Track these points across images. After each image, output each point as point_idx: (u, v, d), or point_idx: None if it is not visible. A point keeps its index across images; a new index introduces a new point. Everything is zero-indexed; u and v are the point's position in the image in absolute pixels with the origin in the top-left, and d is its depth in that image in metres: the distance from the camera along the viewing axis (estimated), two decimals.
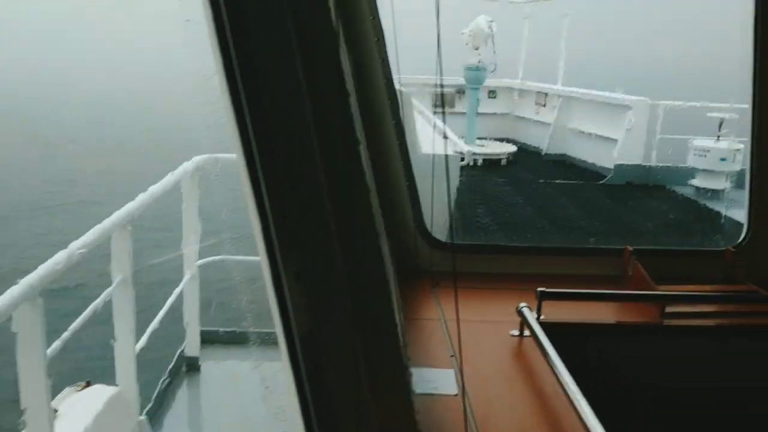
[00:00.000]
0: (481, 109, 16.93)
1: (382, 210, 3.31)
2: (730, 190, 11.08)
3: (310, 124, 1.20)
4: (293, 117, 1.20)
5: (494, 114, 17.55)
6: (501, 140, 16.15)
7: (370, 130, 3.24)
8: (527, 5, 17.08)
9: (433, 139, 5.59)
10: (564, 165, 14.43)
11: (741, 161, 11.09)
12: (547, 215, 9.97)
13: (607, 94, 13.49)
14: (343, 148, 1.30)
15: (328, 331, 1.25)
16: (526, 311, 2.77)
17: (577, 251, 3.63)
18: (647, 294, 3.10)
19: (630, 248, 3.34)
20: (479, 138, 15.49)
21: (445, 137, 6.27)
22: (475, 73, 14.59)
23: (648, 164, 12.23)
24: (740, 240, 3.55)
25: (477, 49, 15.93)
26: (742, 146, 11.08)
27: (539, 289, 2.90)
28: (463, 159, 5.93)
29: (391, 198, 3.37)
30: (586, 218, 9.94)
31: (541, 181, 12.76)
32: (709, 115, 11.62)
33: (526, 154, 15.65)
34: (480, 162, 14.11)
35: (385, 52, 3.33)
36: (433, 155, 4.09)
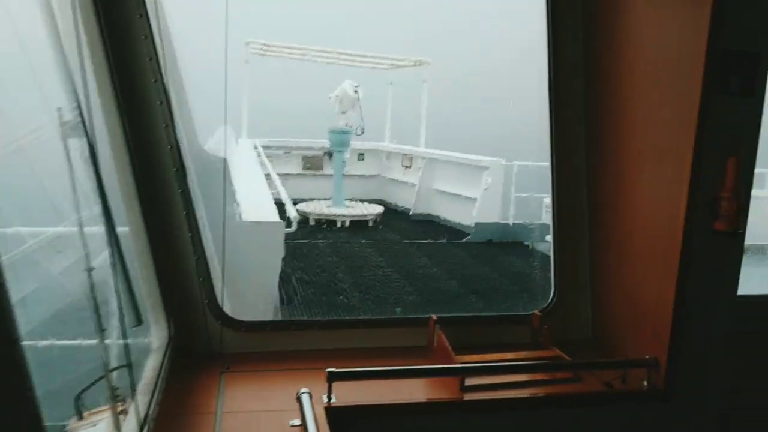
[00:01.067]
0: (352, 171, 17.05)
1: (161, 288, 2.97)
2: None
3: None
4: None
5: (364, 176, 17.74)
6: (372, 201, 16.26)
7: (148, 202, 2.94)
8: (390, 71, 17.58)
9: (254, 203, 5.34)
10: (430, 224, 14.64)
11: None
12: (409, 276, 9.91)
13: (465, 155, 13.93)
14: None
15: None
16: (304, 398, 2.51)
17: (386, 322, 3.44)
18: (444, 368, 2.94)
19: (434, 317, 3.19)
20: (348, 200, 15.50)
21: (281, 206, 6.04)
22: (339, 136, 14.67)
23: (506, 222, 12.59)
24: (547, 303, 3.51)
25: (344, 112, 16.15)
26: None
27: (328, 369, 2.66)
28: (289, 225, 5.67)
29: (175, 274, 3.05)
30: (444, 278, 9.96)
31: (405, 241, 12.80)
32: None
33: (394, 215, 15.80)
34: (347, 224, 14.04)
35: (171, 117, 3.06)
36: (217, 221, 3.83)
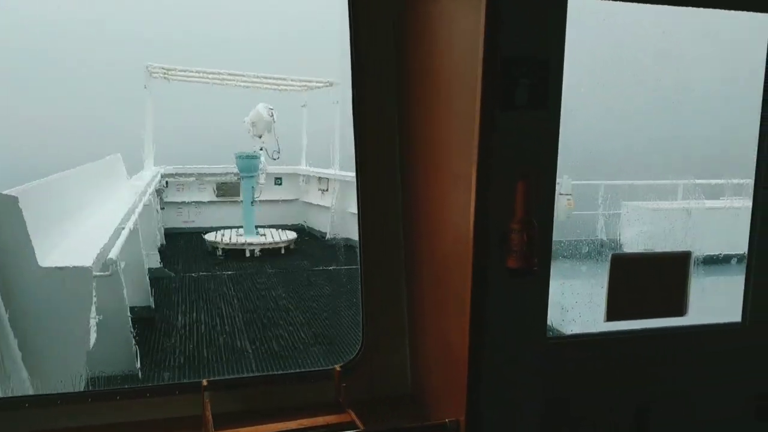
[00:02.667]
0: (269, 197, 16.50)
1: None
2: None
3: None
4: None
5: (283, 201, 17.17)
6: (291, 226, 15.73)
7: None
8: (304, 93, 17.15)
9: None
10: (345, 249, 14.15)
11: None
12: (308, 310, 9.35)
13: None
14: None
15: None
16: None
17: (154, 390, 2.89)
18: None
19: (205, 382, 2.65)
20: (263, 227, 14.90)
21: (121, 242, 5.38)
22: (247, 161, 14.08)
23: None
24: (354, 356, 3.01)
25: (260, 136, 15.62)
26: None
27: None
28: (108, 271, 4.92)
29: None
30: (345, 306, 9.46)
31: (315, 268, 12.28)
32: None
33: (312, 240, 15.29)
34: (257, 252, 13.41)
35: None
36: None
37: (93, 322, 4.73)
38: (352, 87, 3.04)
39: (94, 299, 4.79)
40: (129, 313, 5.89)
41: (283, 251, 13.71)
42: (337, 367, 2.89)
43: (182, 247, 13.98)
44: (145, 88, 14.79)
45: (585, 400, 2.91)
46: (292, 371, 3.09)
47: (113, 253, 4.87)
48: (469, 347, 2.40)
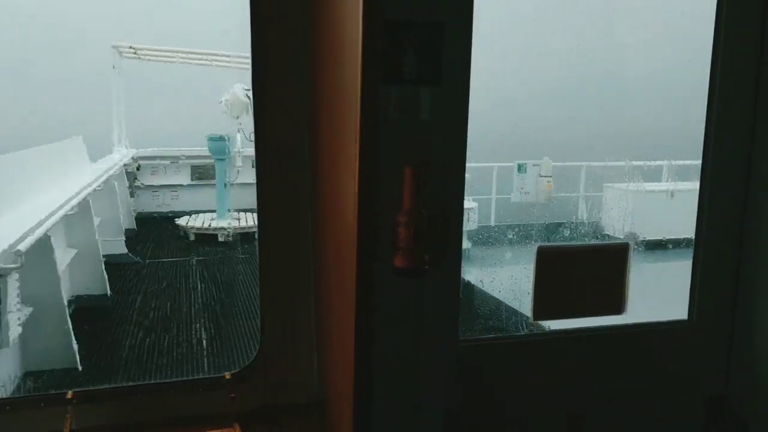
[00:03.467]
0: (248, 179, 16.16)
1: None
2: (471, 247, 11.03)
3: None
4: None
5: None
6: None
7: None
8: None
9: None
10: None
11: (476, 220, 11.18)
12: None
13: None
14: None
15: None
16: None
17: (15, 403, 2.57)
18: None
19: (71, 393, 2.34)
20: (241, 210, 14.61)
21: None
22: (218, 143, 13.72)
23: None
24: (250, 361, 2.70)
25: (237, 118, 15.27)
26: (475, 204, 11.17)
27: None
28: (17, 263, 4.48)
29: None
30: None
31: None
32: None
33: None
34: (230, 237, 13.10)
35: None
36: None
37: (13, 316, 4.42)
38: (252, 59, 2.70)
39: (18, 291, 4.49)
40: (66, 304, 5.59)
41: (257, 235, 13.41)
42: (227, 375, 2.59)
43: (154, 231, 13.66)
44: (114, 68, 14.36)
45: (507, 406, 2.62)
46: (179, 379, 2.77)
47: (25, 245, 4.50)
48: (355, 352, 2.11)
